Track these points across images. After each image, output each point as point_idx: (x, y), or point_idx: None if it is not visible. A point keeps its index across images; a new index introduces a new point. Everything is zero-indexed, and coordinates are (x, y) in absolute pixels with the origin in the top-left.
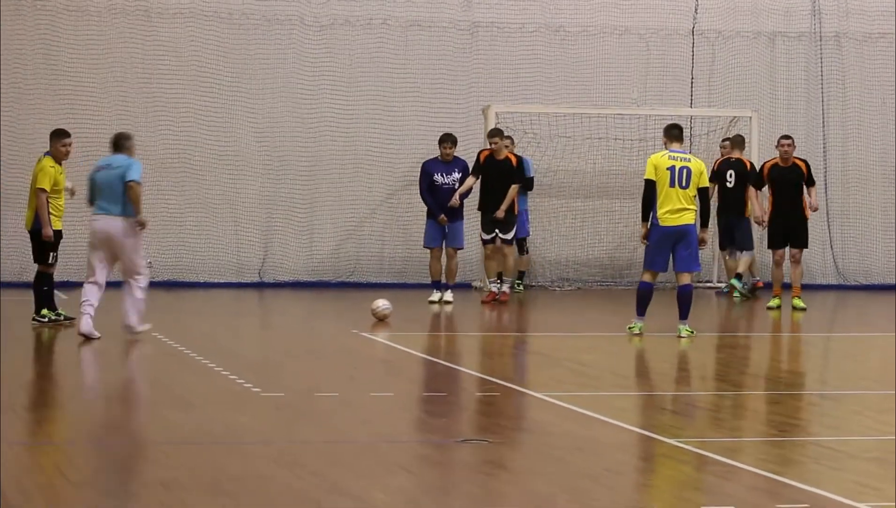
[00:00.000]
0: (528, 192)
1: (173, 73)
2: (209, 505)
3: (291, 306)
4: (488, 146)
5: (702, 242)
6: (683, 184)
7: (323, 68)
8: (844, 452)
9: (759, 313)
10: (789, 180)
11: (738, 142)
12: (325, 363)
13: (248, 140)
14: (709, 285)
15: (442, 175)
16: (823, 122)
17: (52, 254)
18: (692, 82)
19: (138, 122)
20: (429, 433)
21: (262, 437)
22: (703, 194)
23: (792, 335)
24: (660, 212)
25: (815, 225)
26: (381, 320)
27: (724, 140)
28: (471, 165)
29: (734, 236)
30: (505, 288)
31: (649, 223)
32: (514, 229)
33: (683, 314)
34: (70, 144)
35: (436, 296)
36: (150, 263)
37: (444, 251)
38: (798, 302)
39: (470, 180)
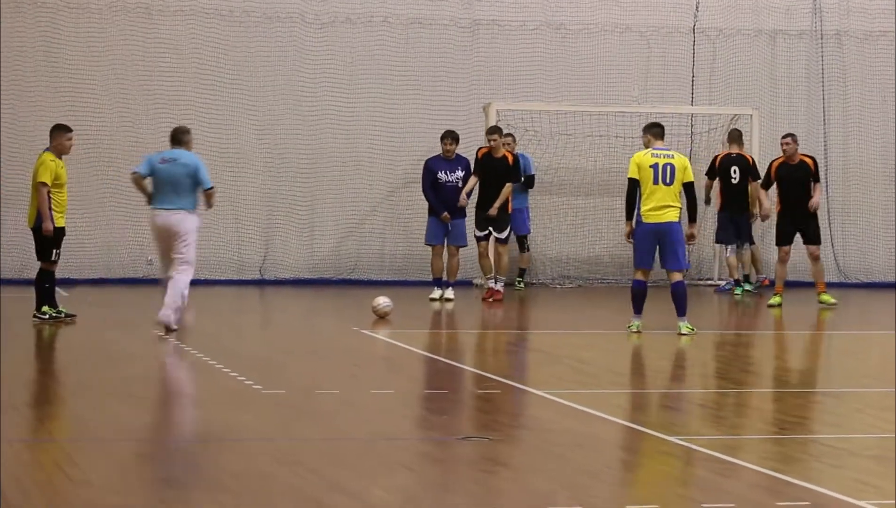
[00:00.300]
0: (530, 189)
1: (174, 70)
2: (210, 503)
3: (292, 304)
4: (487, 144)
5: (690, 237)
6: (667, 181)
7: (324, 66)
8: (845, 450)
9: (760, 310)
10: (797, 178)
11: (735, 137)
12: (326, 360)
13: (249, 138)
14: (710, 282)
15: (446, 173)
16: (824, 120)
17: (54, 251)
18: (693, 80)
19: (139, 119)
20: (429, 431)
21: (262, 435)
22: (688, 189)
23: (792, 334)
24: (643, 209)
25: None
26: (381, 317)
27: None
28: (472, 163)
29: (740, 231)
30: (499, 286)
31: (634, 221)
32: (509, 227)
33: (680, 311)
34: (72, 140)
35: (437, 293)
36: (150, 260)
37: (445, 249)
38: (826, 298)
39: (472, 180)
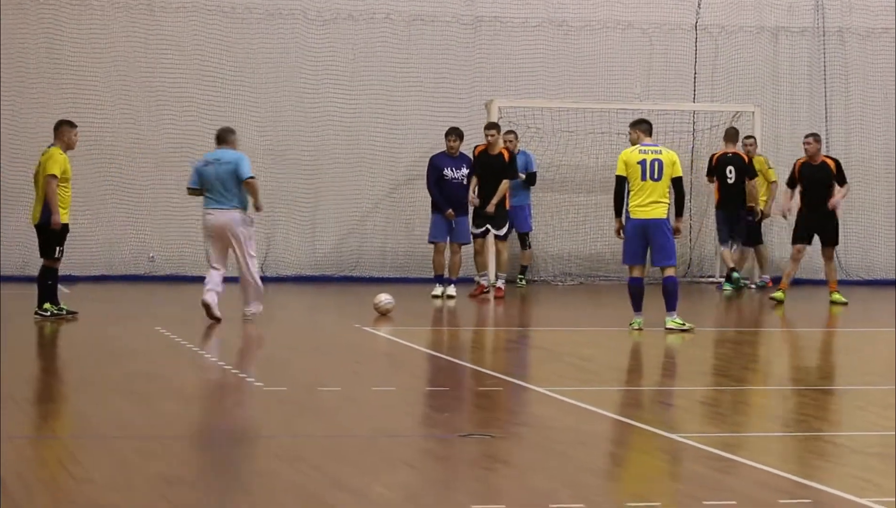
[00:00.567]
0: (531, 186)
1: (176, 67)
2: (211, 500)
3: (294, 301)
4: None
5: (676, 231)
6: (655, 176)
7: (326, 63)
8: (847, 447)
9: (760, 307)
10: (818, 179)
11: (731, 136)
12: (328, 357)
13: (251, 134)
14: (711, 279)
15: (452, 169)
16: (826, 117)
17: (58, 248)
18: (695, 77)
19: (141, 116)
20: (431, 428)
21: (264, 431)
22: (677, 184)
23: (794, 331)
24: (631, 205)
25: None
26: (383, 314)
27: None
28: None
29: (733, 230)
30: (500, 283)
31: (623, 218)
32: (507, 224)
33: (669, 306)
34: (77, 135)
35: (439, 290)
36: (152, 257)
37: (447, 246)
38: (838, 297)
39: (474, 179)
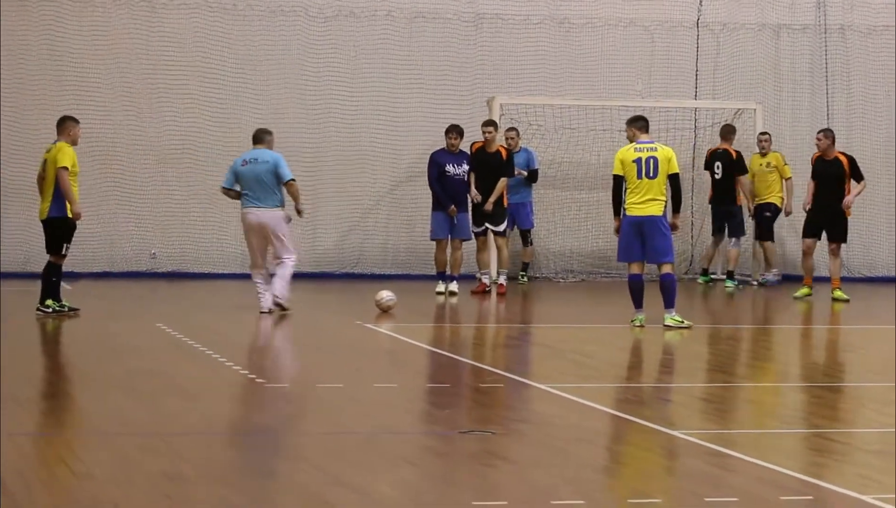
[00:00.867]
0: (533, 184)
1: (178, 64)
2: (213, 497)
3: (295, 298)
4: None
5: (673, 227)
6: (651, 174)
7: (327, 60)
8: (848, 444)
9: (762, 304)
10: (830, 174)
11: (725, 132)
12: (329, 354)
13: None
14: (713, 276)
15: (453, 166)
16: (828, 114)
17: (65, 245)
18: (697, 74)
19: (143, 113)
20: (432, 425)
21: (265, 428)
22: (673, 180)
23: (795, 328)
24: (627, 202)
25: None
26: (385, 311)
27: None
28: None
29: (723, 225)
30: (502, 280)
31: (621, 215)
32: (506, 221)
33: (668, 303)
34: (80, 131)
35: (441, 287)
36: (154, 254)
37: (449, 243)
38: (839, 294)
39: (473, 177)
